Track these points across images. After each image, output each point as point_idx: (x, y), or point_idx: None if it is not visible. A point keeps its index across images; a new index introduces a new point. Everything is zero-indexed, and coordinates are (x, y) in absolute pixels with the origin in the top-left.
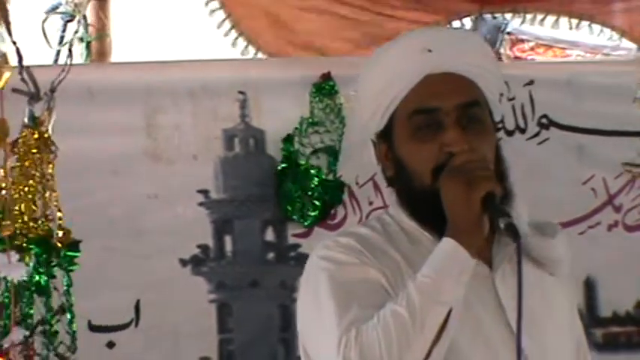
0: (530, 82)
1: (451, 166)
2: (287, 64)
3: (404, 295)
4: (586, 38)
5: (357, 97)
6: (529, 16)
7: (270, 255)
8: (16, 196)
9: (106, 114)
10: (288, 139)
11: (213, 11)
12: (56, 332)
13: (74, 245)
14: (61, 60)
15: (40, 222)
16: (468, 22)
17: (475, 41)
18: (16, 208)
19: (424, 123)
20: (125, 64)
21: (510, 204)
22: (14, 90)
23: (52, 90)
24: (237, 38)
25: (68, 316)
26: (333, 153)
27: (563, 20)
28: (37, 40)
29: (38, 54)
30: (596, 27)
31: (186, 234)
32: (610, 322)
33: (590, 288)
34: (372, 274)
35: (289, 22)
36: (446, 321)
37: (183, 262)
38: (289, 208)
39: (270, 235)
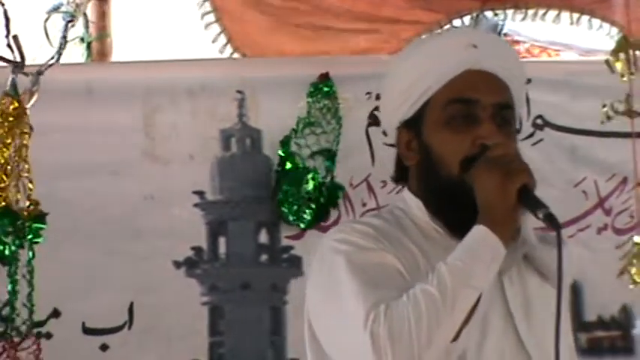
0: (528, 82)
1: (488, 156)
2: (285, 63)
3: (435, 276)
4: (581, 41)
5: (385, 86)
6: (531, 12)
7: (264, 257)
8: None
9: (104, 113)
10: (285, 141)
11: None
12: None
13: (40, 217)
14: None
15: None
16: (467, 22)
17: (512, 48)
18: None
19: (460, 113)
20: (124, 63)
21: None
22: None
23: (40, 72)
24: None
25: (27, 289)
26: (330, 155)
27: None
28: (37, 39)
29: (38, 53)
30: (596, 22)
31: (181, 236)
32: (595, 327)
33: (576, 292)
34: (389, 259)
35: (290, 26)
36: (475, 305)
37: (177, 264)
38: (285, 210)
39: (263, 237)
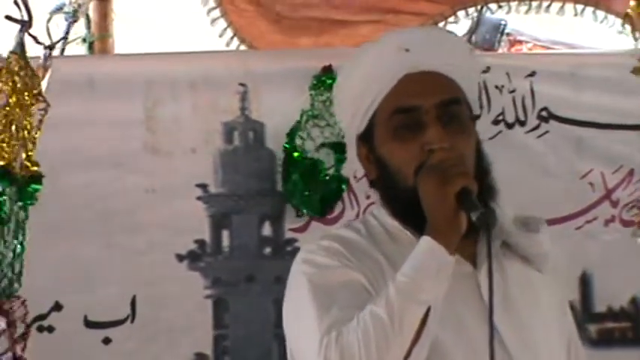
0: (532, 74)
1: (428, 164)
2: (288, 55)
3: (383, 296)
4: (584, 40)
5: (336, 101)
6: (535, 4)
7: (267, 250)
8: None
9: (106, 106)
10: (291, 133)
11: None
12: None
13: (37, 178)
14: None
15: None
16: (468, 22)
17: (451, 39)
18: None
19: (404, 122)
20: (125, 55)
21: (494, 200)
22: (7, 17)
23: (51, 47)
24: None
25: (19, 249)
26: (338, 148)
27: (562, 20)
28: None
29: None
30: (601, 14)
31: (184, 229)
32: (604, 318)
33: (585, 283)
34: (353, 276)
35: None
36: (425, 320)
37: (180, 258)
38: (296, 200)
39: (267, 230)
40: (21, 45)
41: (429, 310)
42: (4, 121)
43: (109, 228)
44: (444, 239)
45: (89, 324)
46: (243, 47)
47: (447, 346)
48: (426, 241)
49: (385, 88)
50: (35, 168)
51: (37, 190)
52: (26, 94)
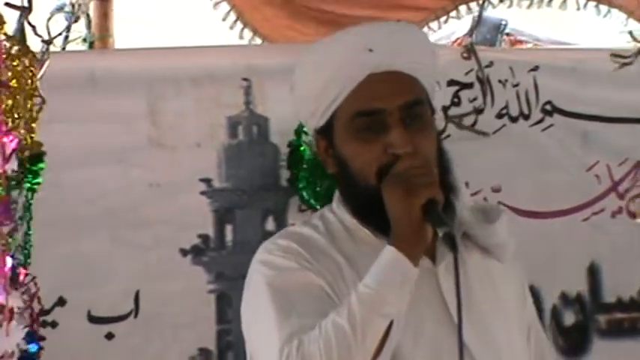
0: (535, 68)
1: (393, 172)
2: (292, 50)
3: (345, 306)
4: (583, 40)
5: (293, 93)
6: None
7: None
8: None
9: (108, 101)
10: (298, 129)
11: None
12: None
13: (39, 157)
14: None
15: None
16: (468, 20)
17: (415, 36)
18: None
19: (367, 124)
20: (128, 50)
21: (455, 196)
22: (6, 4)
23: (49, 42)
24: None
25: (25, 228)
26: None
27: (562, 20)
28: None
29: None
30: (604, 8)
31: (188, 223)
32: (614, 308)
33: (594, 274)
34: (311, 278)
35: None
36: (387, 332)
37: (184, 252)
38: (306, 194)
39: (270, 225)
40: (21, 31)
41: (391, 322)
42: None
43: (113, 223)
44: (409, 250)
45: (92, 319)
46: (247, 31)
47: (406, 348)
48: (390, 251)
49: (347, 89)
50: (38, 148)
51: (41, 169)
52: (28, 78)
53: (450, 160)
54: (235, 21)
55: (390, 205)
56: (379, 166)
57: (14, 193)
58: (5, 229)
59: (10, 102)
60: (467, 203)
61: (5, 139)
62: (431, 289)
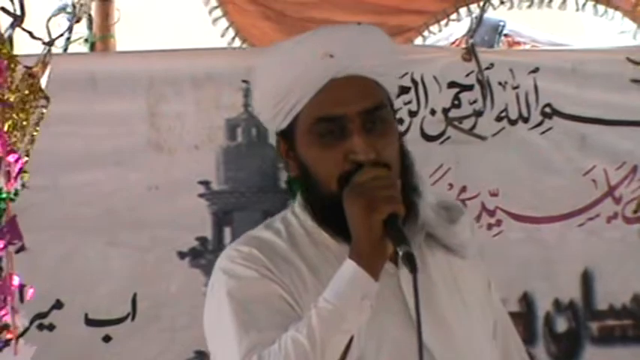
0: (535, 70)
1: (354, 182)
2: None
3: (305, 322)
4: (583, 42)
5: (255, 96)
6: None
7: None
8: None
9: (108, 103)
10: None
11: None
12: None
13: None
14: None
15: None
16: (467, 22)
17: (375, 38)
18: None
19: (328, 130)
20: (127, 52)
21: (418, 197)
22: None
23: (50, 43)
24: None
25: None
26: None
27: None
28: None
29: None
30: (601, 8)
31: (186, 226)
32: (606, 316)
33: (587, 281)
34: (272, 288)
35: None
36: (348, 346)
37: (182, 255)
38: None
39: None
40: (10, 40)
41: (352, 336)
42: None
43: (111, 225)
44: (369, 265)
45: (90, 322)
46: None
47: (369, 355)
48: (350, 266)
49: (308, 94)
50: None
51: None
52: (27, 88)
53: (412, 160)
54: (234, 38)
55: (351, 217)
56: (340, 172)
57: None
58: (12, 249)
59: (11, 121)
60: (430, 201)
61: (10, 158)
62: (393, 293)
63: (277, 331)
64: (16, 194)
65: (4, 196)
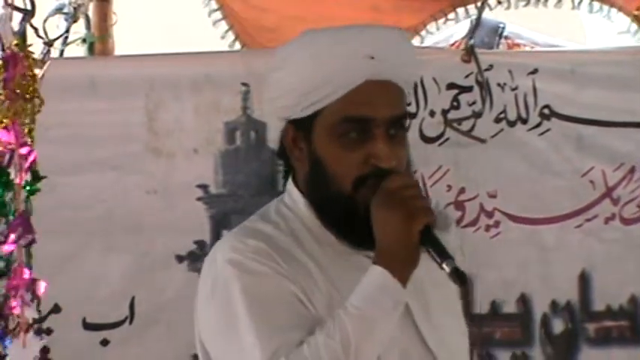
0: (534, 71)
1: (386, 189)
2: None
3: (337, 327)
4: (580, 43)
5: (275, 77)
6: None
7: None
8: None
9: (107, 107)
10: None
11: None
12: None
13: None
14: None
15: None
16: (466, 23)
17: (410, 47)
18: None
19: (353, 130)
20: (127, 56)
21: None
22: (9, 4)
23: (49, 43)
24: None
25: None
26: None
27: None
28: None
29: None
30: (596, 5)
31: (185, 230)
32: (603, 317)
33: (584, 282)
34: (287, 286)
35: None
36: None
37: (180, 259)
38: None
39: (224, 233)
40: (22, 34)
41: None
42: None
43: (109, 229)
44: (401, 273)
45: (88, 326)
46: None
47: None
48: (380, 273)
49: (341, 91)
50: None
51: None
52: (29, 84)
53: (414, 168)
54: (234, 40)
55: (385, 227)
56: (358, 174)
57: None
58: (24, 242)
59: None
60: None
61: (23, 151)
62: None
63: (299, 333)
64: (33, 191)
65: (28, 188)
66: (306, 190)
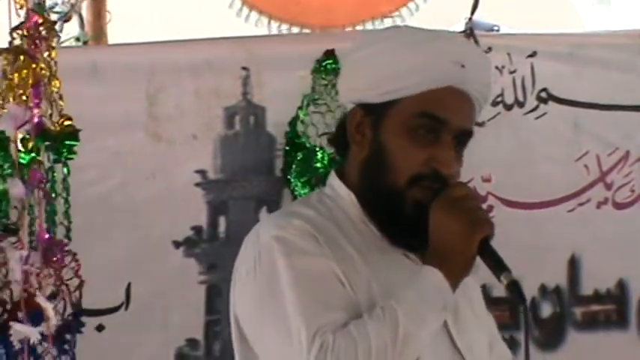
0: (533, 54)
1: (451, 196)
2: (290, 39)
3: (388, 316)
4: None
5: (360, 57)
6: None
7: None
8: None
9: (108, 93)
10: (293, 122)
11: None
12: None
13: (73, 134)
14: None
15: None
16: (461, 25)
17: (490, 70)
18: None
19: (427, 127)
20: (127, 44)
21: None
22: None
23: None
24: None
25: (64, 206)
26: None
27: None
28: None
29: None
30: None
31: (182, 215)
32: (590, 301)
33: (573, 266)
34: (330, 267)
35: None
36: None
37: (177, 244)
38: (298, 187)
39: (264, 215)
40: (40, 4)
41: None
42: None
43: (106, 214)
44: (454, 279)
45: (83, 311)
46: (245, 8)
47: None
48: (435, 274)
49: (424, 86)
50: (68, 122)
51: (73, 146)
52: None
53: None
54: (241, 8)
55: (446, 233)
56: (416, 172)
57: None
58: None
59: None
60: None
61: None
62: None
63: (344, 314)
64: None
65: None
66: (357, 177)
